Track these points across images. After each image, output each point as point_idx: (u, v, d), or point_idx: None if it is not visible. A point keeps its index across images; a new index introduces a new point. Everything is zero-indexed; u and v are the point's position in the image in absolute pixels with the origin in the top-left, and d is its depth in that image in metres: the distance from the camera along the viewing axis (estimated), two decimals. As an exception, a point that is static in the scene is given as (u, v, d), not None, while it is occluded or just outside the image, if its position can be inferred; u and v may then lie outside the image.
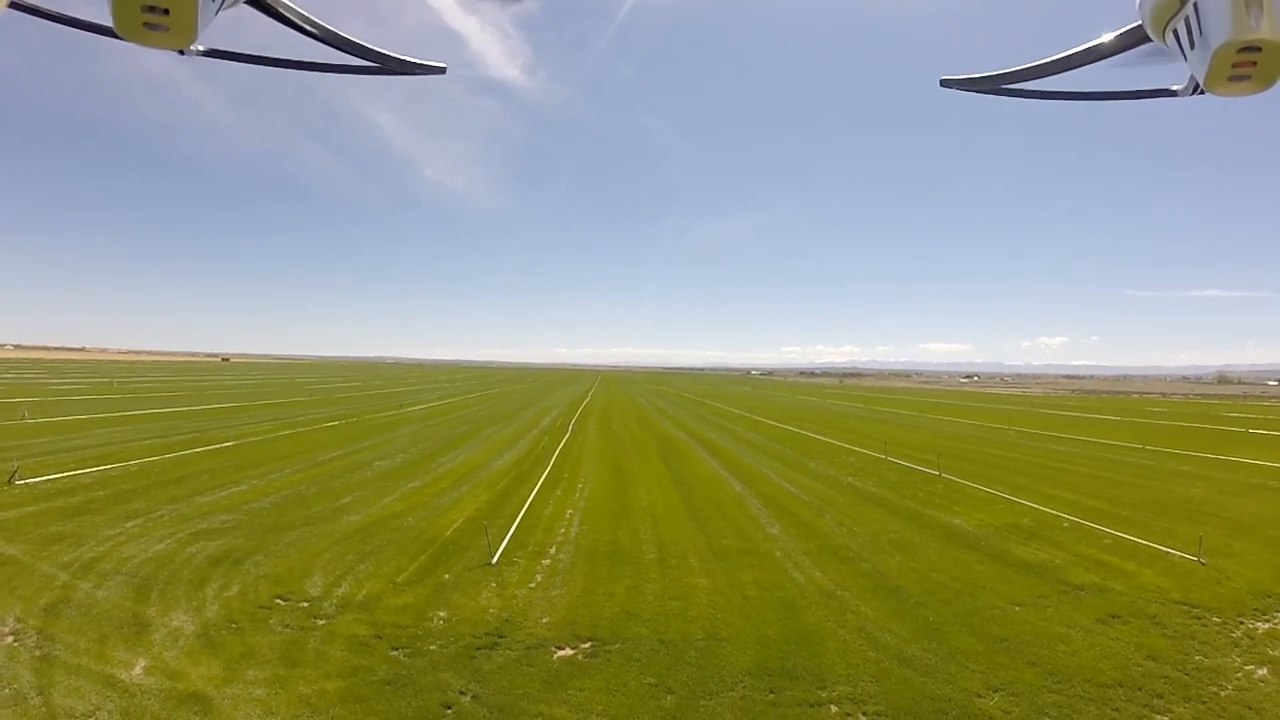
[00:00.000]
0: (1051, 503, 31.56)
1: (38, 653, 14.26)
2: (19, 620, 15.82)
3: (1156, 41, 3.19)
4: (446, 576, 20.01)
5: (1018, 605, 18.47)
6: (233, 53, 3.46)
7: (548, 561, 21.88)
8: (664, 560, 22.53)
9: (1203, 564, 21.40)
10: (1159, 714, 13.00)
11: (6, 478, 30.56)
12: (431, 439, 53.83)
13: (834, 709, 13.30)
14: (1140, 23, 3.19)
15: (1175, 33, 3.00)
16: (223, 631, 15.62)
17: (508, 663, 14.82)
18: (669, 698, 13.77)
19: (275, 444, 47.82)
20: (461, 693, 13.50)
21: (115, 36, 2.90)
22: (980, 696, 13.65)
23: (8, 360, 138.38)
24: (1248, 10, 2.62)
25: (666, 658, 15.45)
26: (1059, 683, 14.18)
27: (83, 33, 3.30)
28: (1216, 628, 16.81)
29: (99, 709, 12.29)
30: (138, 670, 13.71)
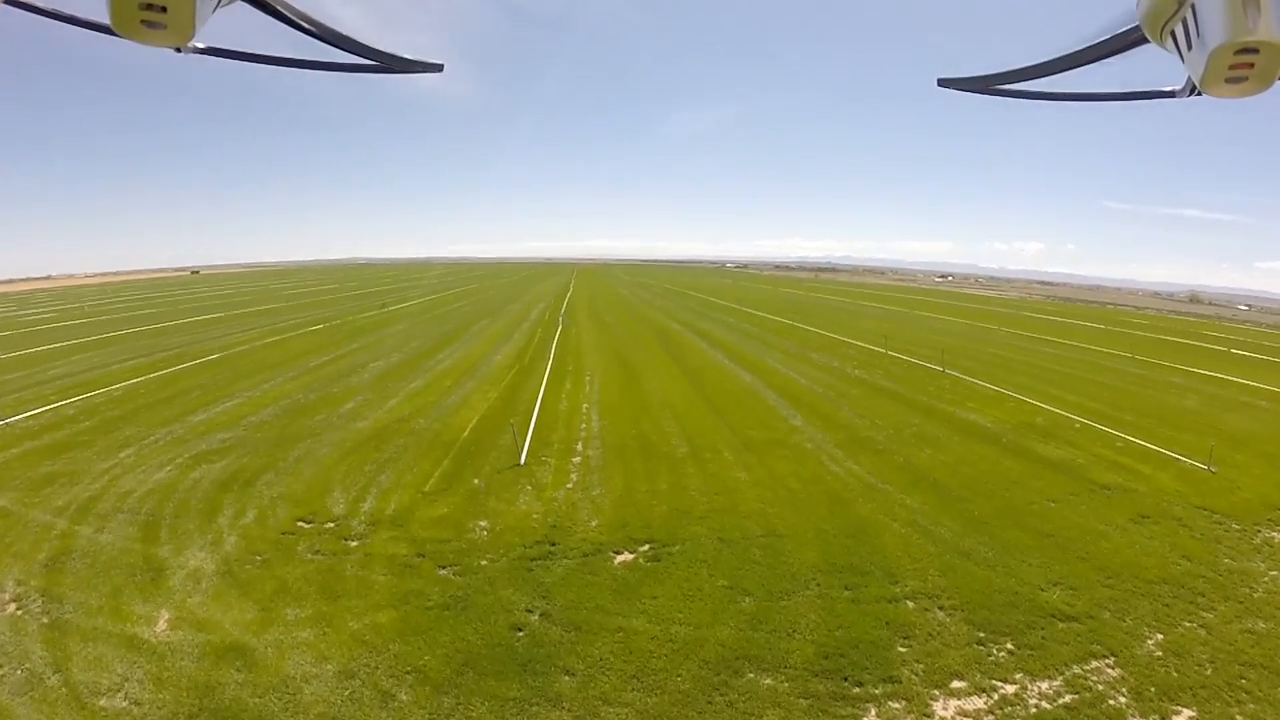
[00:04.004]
0: (1057, 403, 31.10)
1: (46, 620, 12.60)
2: (19, 583, 14.01)
3: (1154, 43, 2.91)
4: (476, 481, 18.74)
5: (1052, 501, 18.43)
6: (231, 51, 3.28)
7: (578, 459, 20.68)
8: (697, 454, 21.50)
9: (1213, 472, 21.24)
10: (1204, 611, 13.14)
11: (-16, 419, 28.39)
12: (422, 336, 52.14)
13: (910, 605, 12.97)
14: (1138, 24, 2.92)
15: (1172, 34, 2.78)
16: (247, 566, 14.23)
17: (568, 573, 13.70)
18: (747, 600, 12.88)
19: (262, 352, 45.79)
20: (529, 611, 12.38)
21: (113, 34, 2.72)
22: (1043, 590, 13.63)
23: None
24: (1245, 11, 2.41)
25: (732, 558, 14.57)
26: (1110, 578, 14.24)
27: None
28: (1237, 534, 16.83)
29: (127, 679, 10.83)
30: (162, 625, 12.29)
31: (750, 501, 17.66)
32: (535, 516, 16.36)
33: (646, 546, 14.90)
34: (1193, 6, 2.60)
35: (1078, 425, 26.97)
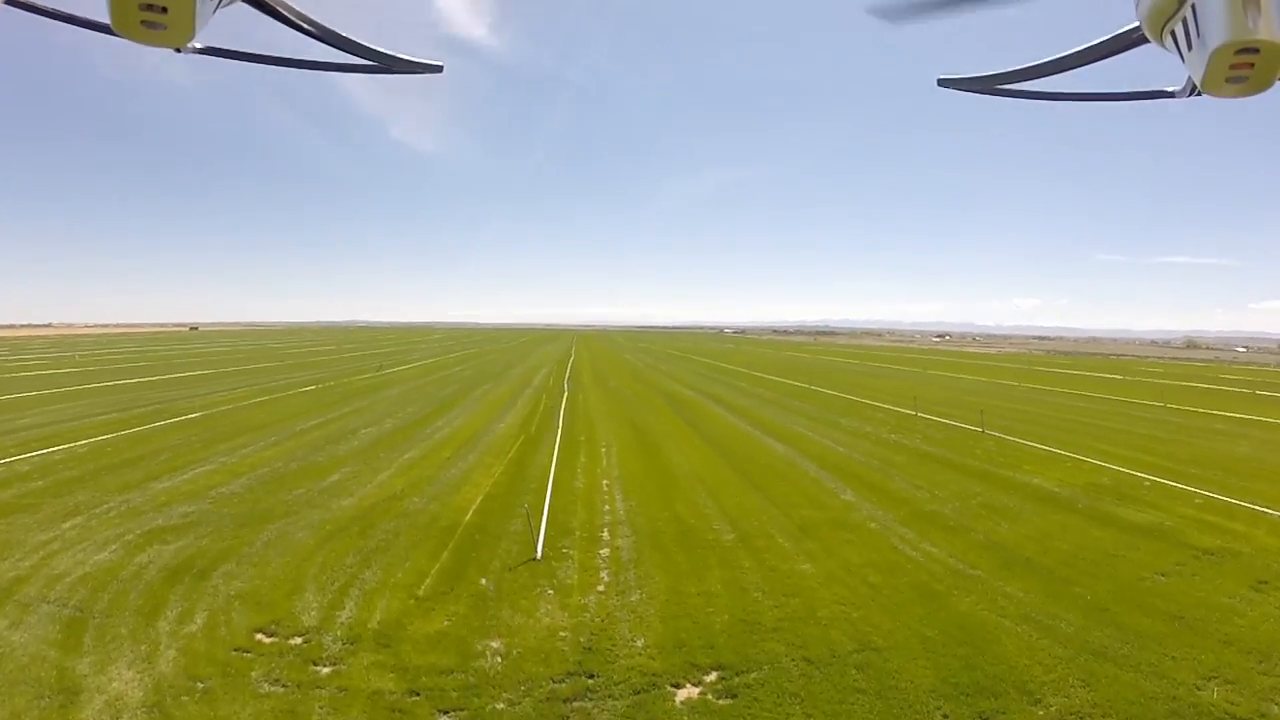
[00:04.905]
0: (1115, 460, 29.55)
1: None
2: (-96, 691, 10.69)
3: (1154, 43, 3.22)
4: (483, 582, 15.16)
5: (1162, 575, 16.31)
6: (230, 51, 3.51)
7: (606, 551, 17.21)
8: (747, 541, 18.15)
9: (1305, 526, 20.14)
10: (1373, 692, 11.29)
11: (-73, 473, 25.23)
12: (420, 401, 48.87)
13: (1066, 732, 9.95)
14: (1138, 24, 3.23)
15: (1173, 34, 3.05)
16: (184, 697, 10.61)
17: (617, 722, 10.12)
18: (865, 753, 9.43)
19: (247, 413, 42.46)
20: (568, 789, 8.78)
21: (113, 34, 2.90)
22: (1199, 689, 11.37)
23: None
24: (1245, 11, 2.65)
25: (827, 686, 11.15)
26: (1261, 662, 12.30)
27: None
28: (1360, 597, 15.41)
29: None
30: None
31: (828, 603, 14.31)
32: (563, 634, 12.74)
33: (714, 675, 11.36)
34: (1193, 7, 2.88)
35: (1147, 483, 25.40)
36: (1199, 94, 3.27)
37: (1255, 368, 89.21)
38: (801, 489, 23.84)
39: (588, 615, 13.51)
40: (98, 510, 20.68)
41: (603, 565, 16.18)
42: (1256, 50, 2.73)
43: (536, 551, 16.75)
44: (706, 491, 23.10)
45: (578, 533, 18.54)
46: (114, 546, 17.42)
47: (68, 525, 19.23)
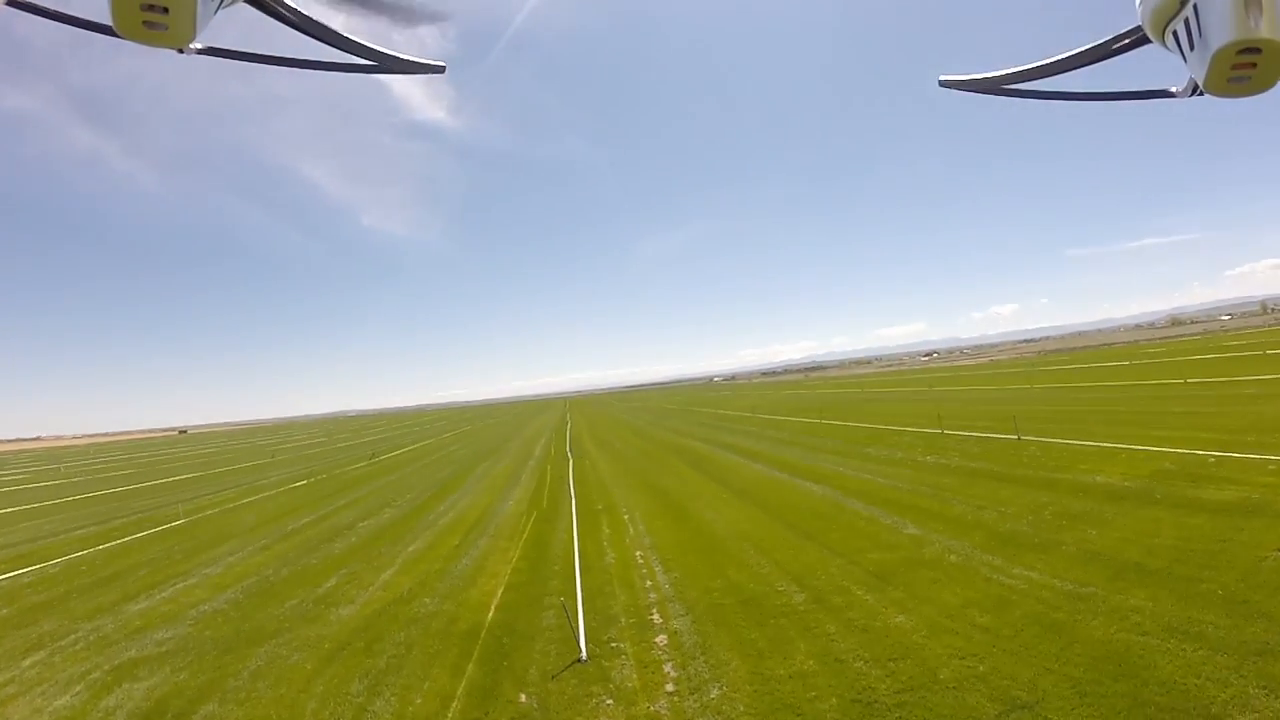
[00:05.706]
0: (1167, 443, 28.67)
1: None
2: None
3: (1156, 43, 3.10)
4: (523, 698, 12.27)
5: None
6: (231, 51, 3.36)
7: (663, 638, 14.38)
8: (823, 601, 15.47)
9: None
10: None
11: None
12: (418, 486, 45.95)
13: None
14: (1140, 24, 3.10)
15: (1175, 34, 2.93)
16: None
17: None
18: None
19: (234, 515, 39.59)
20: None
21: (114, 35, 2.85)
22: None
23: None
24: (1247, 11, 2.57)
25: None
26: None
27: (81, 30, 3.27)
28: None
29: None
30: None
31: (945, 660, 11.73)
32: (639, 761, 10.00)
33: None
34: (1195, 7, 2.79)
35: (1212, 460, 24.41)
36: (1200, 94, 3.15)
37: (1250, 331, 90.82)
38: (858, 530, 21.34)
39: (663, 729, 10.73)
40: (64, 642, 18.22)
41: (664, 657, 13.38)
42: (1259, 50, 2.67)
43: (580, 650, 13.95)
44: (756, 550, 20.43)
45: (624, 619, 15.74)
46: (78, 687, 14.82)
47: (28, 662, 16.87)
